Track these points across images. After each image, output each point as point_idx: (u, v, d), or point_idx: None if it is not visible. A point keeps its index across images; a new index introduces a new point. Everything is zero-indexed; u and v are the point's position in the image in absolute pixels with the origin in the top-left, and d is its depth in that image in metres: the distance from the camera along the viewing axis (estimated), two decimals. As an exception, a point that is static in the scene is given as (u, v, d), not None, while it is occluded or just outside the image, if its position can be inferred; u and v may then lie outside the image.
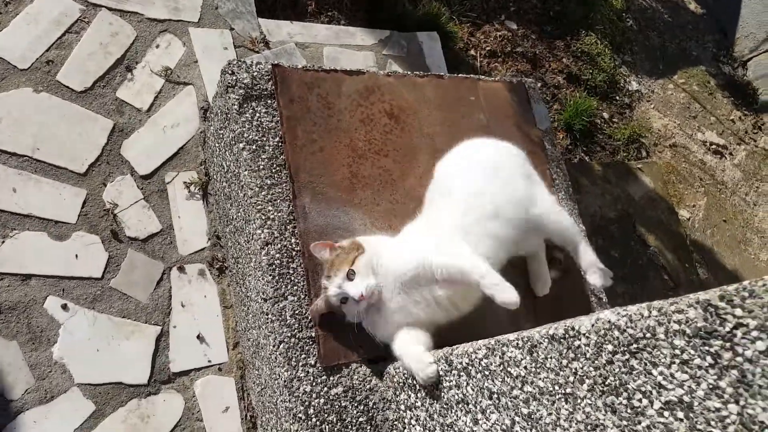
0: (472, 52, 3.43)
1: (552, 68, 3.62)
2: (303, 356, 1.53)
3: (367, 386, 1.58)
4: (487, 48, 3.46)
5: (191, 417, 1.84)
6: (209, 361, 1.91)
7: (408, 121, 1.85)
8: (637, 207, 3.27)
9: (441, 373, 1.32)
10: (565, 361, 0.96)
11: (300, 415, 1.49)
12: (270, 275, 1.55)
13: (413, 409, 1.45)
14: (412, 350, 1.42)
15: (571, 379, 0.95)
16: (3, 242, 1.77)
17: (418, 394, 1.42)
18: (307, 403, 1.50)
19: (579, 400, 0.94)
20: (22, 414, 1.65)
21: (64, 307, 1.78)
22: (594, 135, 3.50)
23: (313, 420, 1.50)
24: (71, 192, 1.89)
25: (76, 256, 1.84)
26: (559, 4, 3.81)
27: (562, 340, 0.97)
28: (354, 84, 1.84)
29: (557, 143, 2.75)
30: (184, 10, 2.27)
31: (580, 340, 0.93)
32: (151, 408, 1.79)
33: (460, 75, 2.05)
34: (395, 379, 1.53)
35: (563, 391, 0.97)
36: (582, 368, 0.93)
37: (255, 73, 1.72)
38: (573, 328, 0.94)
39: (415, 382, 1.43)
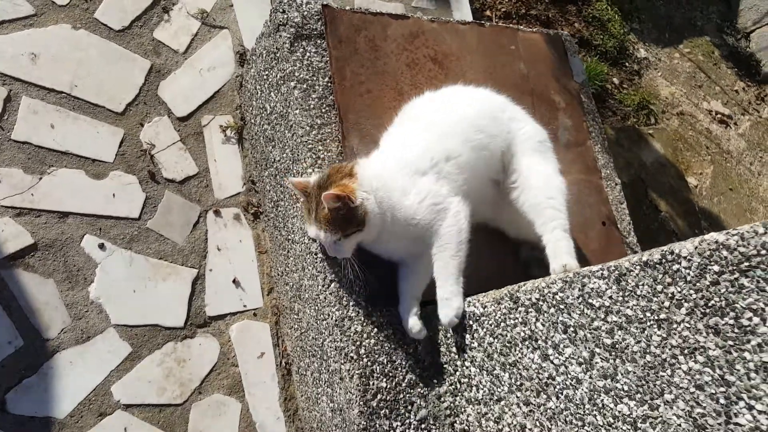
0: (488, 12, 3.40)
1: (564, 33, 3.61)
2: (354, 296, 1.54)
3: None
4: (503, 9, 3.44)
5: (226, 362, 1.84)
6: (244, 306, 1.91)
7: (452, 67, 1.84)
8: (648, 172, 3.32)
9: (504, 311, 1.34)
10: (660, 287, 0.98)
11: (352, 354, 1.50)
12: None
13: (468, 350, 1.47)
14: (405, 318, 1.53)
15: (666, 304, 0.97)
16: (41, 179, 1.73)
17: (475, 335, 1.45)
18: (358, 343, 1.51)
19: (675, 325, 0.96)
20: (58, 353, 1.64)
21: (101, 246, 1.76)
22: (605, 100, 3.53)
23: (365, 360, 1.51)
24: (109, 131, 1.85)
25: (114, 195, 1.81)
26: (572, -32, 3.79)
27: (657, 265, 0.98)
28: (400, 28, 1.82)
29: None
30: (218, -41, 2.21)
31: (680, 263, 0.94)
32: (186, 352, 1.79)
33: (500, 24, 2.04)
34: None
35: (655, 318, 0.99)
36: (680, 292, 0.95)
37: (305, 12, 1.69)
38: (672, 252, 0.95)
39: (470, 323, 1.45)
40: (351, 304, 1.53)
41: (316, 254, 1.57)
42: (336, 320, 1.52)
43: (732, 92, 4.08)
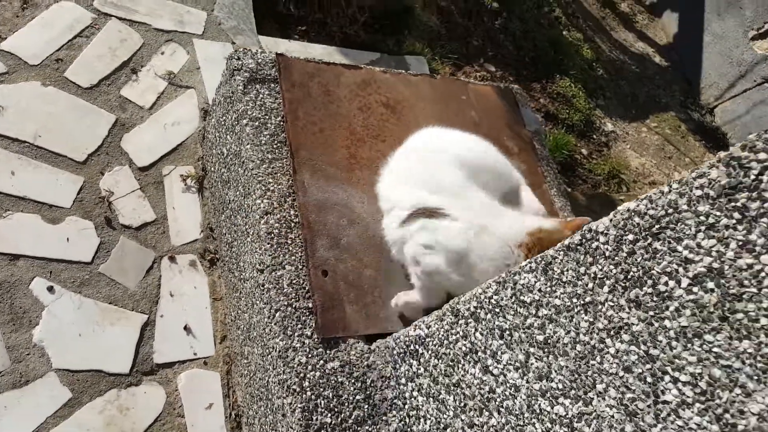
0: (457, 88, 3.59)
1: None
2: (299, 326, 1.49)
3: (365, 363, 1.54)
4: (471, 85, 3.63)
5: (172, 412, 1.74)
6: (195, 354, 1.84)
7: (404, 113, 1.91)
8: (620, 233, 3.34)
9: (447, 327, 1.30)
10: (582, 269, 0.96)
11: (294, 387, 1.43)
12: (268, 243, 1.54)
13: (415, 378, 1.41)
14: None
15: (590, 285, 0.95)
16: (-6, 220, 1.73)
17: (421, 359, 1.39)
18: (302, 375, 1.45)
19: (599, 306, 0.93)
20: (-7, 398, 1.56)
21: (50, 289, 1.73)
22: (575, 169, 3.63)
23: (308, 393, 1.44)
24: (69, 178, 1.89)
25: (68, 239, 1.81)
26: (534, 51, 4.05)
27: (578, 247, 0.97)
28: (352, 77, 1.92)
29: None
30: (189, 23, 2.37)
31: (598, 240, 0.93)
32: (130, 400, 1.70)
33: (451, 77, 2.14)
34: (395, 351, 1.49)
35: (581, 302, 0.96)
36: (602, 269, 0.93)
37: (260, 60, 1.78)
38: (591, 230, 0.95)
39: (416, 347, 1.39)
40: (296, 334, 1.48)
41: (263, 285, 1.54)
42: (279, 351, 1.47)
43: (702, 164, 4.19)
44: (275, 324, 1.49)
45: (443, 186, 1.56)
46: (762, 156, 0.72)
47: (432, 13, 3.87)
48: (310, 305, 1.51)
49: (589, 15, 4.75)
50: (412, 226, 1.53)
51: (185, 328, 1.85)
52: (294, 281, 1.53)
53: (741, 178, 0.74)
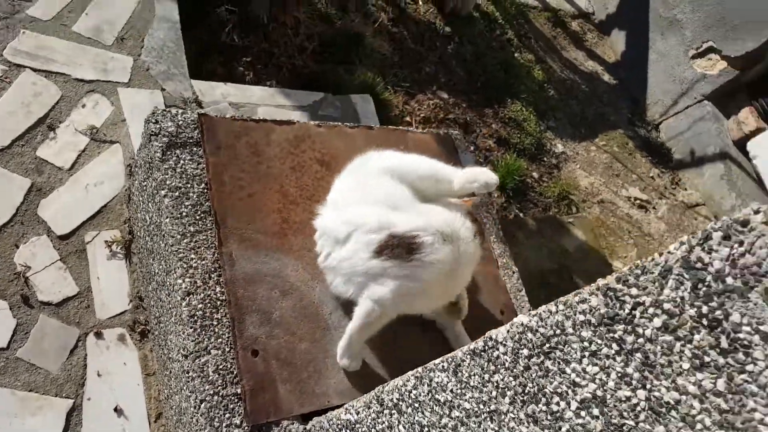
0: (408, 118, 3.54)
1: (483, 133, 3.77)
2: (227, 415, 1.39)
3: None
4: (422, 115, 3.59)
5: (106, 504, 1.62)
6: (128, 437, 1.72)
7: (339, 169, 1.83)
8: (572, 259, 3.34)
9: (374, 415, 1.22)
10: (486, 376, 0.91)
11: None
12: (191, 327, 1.44)
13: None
14: None
15: (494, 393, 0.90)
16: None
17: (356, 447, 1.31)
18: (233, 470, 1.35)
19: (503, 416, 0.88)
20: None
21: (-41, 382, 1.58)
22: (526, 193, 3.62)
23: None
24: (-24, 255, 1.74)
25: (-23, 324, 1.66)
26: (485, 76, 4.04)
27: (482, 353, 0.92)
28: (284, 133, 1.83)
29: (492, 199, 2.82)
30: (113, 71, 2.24)
31: (498, 349, 0.89)
32: (58, 497, 1.57)
33: (389, 126, 2.08)
34: (331, 433, 1.41)
35: (487, 409, 0.91)
36: (503, 380, 0.88)
37: (180, 122, 1.68)
38: (491, 338, 0.90)
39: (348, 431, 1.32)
40: (224, 425, 1.38)
41: (187, 372, 1.44)
42: (208, 446, 1.37)
43: (648, 179, 4.26)
44: (201, 415, 1.39)
45: (397, 199, 1.61)
46: (634, 291, 0.69)
47: (383, 40, 3.82)
48: (239, 390, 1.42)
49: (541, 35, 4.78)
50: (394, 269, 1.47)
51: (116, 409, 1.72)
52: (221, 366, 1.43)
53: (617, 310, 0.72)
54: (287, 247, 1.65)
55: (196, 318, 1.45)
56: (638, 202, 4.02)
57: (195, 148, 1.67)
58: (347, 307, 1.65)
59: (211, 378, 1.40)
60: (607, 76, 4.84)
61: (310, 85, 3.05)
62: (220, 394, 1.39)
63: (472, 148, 3.68)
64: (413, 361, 1.63)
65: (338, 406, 1.50)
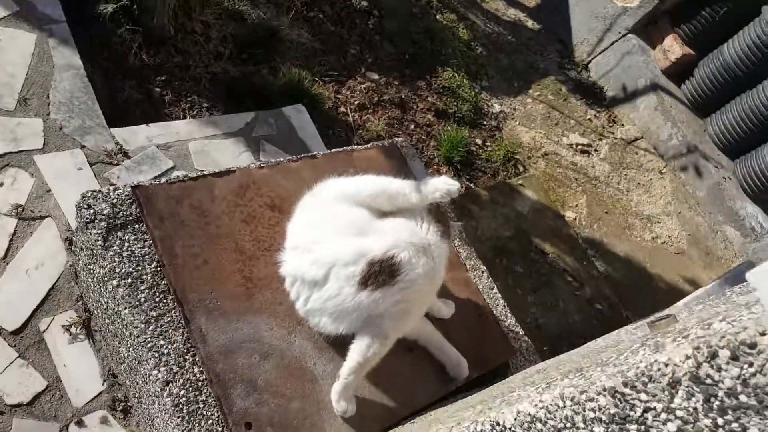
0: (343, 108, 3.46)
1: (420, 108, 3.74)
2: (235, 495, 1.39)
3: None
4: (356, 102, 3.51)
5: None
6: None
7: (291, 209, 1.79)
8: (527, 221, 3.42)
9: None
10: None
11: None
12: (178, 417, 1.41)
13: None
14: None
15: None
16: None
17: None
18: None
19: None
20: None
21: None
22: (473, 163, 3.65)
23: None
24: (-74, 376, 1.64)
25: (-54, 448, 1.58)
26: (412, 47, 3.97)
27: None
28: (227, 185, 1.76)
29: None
30: (24, 138, 2.08)
31: None
32: None
33: (333, 150, 2.04)
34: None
35: None
36: None
37: (114, 200, 1.59)
38: (498, 423, 0.91)
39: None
40: (232, 507, 1.39)
41: (183, 460, 1.42)
42: None
43: (586, 121, 4.35)
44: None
45: (359, 223, 1.62)
46: (643, 397, 0.71)
47: (301, 28, 3.66)
48: (241, 470, 1.42)
49: (460, -11, 4.69)
50: (385, 298, 1.50)
51: (113, 497, 1.70)
52: (217, 450, 1.42)
53: (628, 411, 0.73)
54: (257, 307, 1.61)
55: (181, 406, 1.42)
56: (580, 147, 4.12)
57: (137, 225, 1.59)
58: (330, 352, 1.65)
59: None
60: (531, 22, 4.83)
61: (233, 93, 2.93)
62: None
63: (412, 126, 3.66)
64: (401, 389, 1.67)
65: (341, 457, 1.53)
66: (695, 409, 0.67)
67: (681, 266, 3.78)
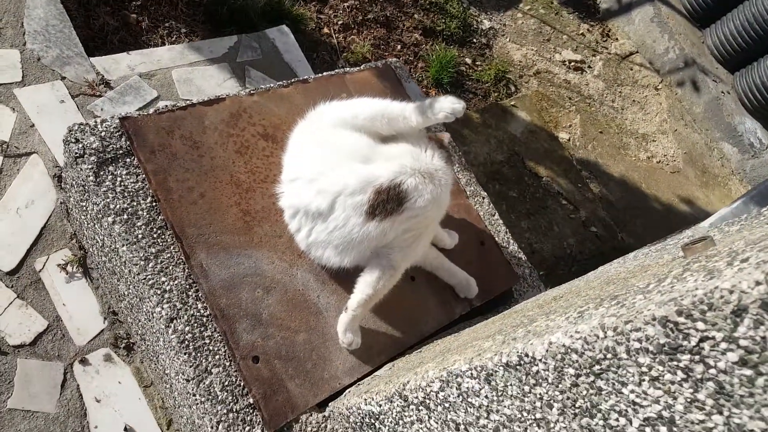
0: (326, 30, 3.29)
1: (407, 27, 3.57)
2: (247, 428, 1.41)
3: None
4: (339, 22, 3.34)
5: None
6: (147, 451, 1.74)
7: (285, 138, 1.72)
8: (520, 143, 3.37)
9: (399, 409, 1.27)
10: (527, 388, 0.93)
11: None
12: (185, 353, 1.40)
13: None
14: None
15: (538, 404, 0.92)
16: None
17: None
18: (266, 472, 1.41)
19: (552, 424, 0.91)
20: None
21: (-42, 451, 1.54)
22: (463, 84, 3.54)
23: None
24: (-77, 320, 1.61)
25: (-46, 389, 1.58)
26: (396, -42, 3.73)
27: (518, 366, 0.93)
28: (217, 114, 1.68)
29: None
30: (1, 71, 1.94)
31: (537, 366, 0.90)
32: None
33: (325, 74, 1.93)
34: (351, 420, 1.45)
35: (533, 417, 0.94)
36: (547, 393, 0.90)
37: (103, 133, 1.51)
38: (527, 355, 0.90)
39: (372, 421, 1.37)
40: (247, 436, 1.41)
41: (194, 395, 1.43)
42: (236, 457, 1.40)
43: (579, 36, 4.20)
44: (221, 435, 1.41)
45: (362, 150, 1.57)
46: (701, 326, 0.68)
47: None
48: (251, 401, 1.43)
49: None
50: (396, 225, 1.48)
51: (126, 429, 1.73)
52: (226, 383, 1.42)
53: (681, 341, 0.70)
54: (257, 241, 1.58)
55: (187, 342, 1.41)
56: (573, 64, 4.01)
57: (129, 159, 1.52)
58: (333, 284, 1.64)
59: (220, 397, 1.40)
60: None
61: (213, 16, 2.76)
62: (234, 410, 1.40)
63: (399, 46, 3.51)
64: (405, 319, 1.68)
65: (350, 385, 1.55)
66: (764, 338, 0.63)
67: (677, 185, 3.79)
